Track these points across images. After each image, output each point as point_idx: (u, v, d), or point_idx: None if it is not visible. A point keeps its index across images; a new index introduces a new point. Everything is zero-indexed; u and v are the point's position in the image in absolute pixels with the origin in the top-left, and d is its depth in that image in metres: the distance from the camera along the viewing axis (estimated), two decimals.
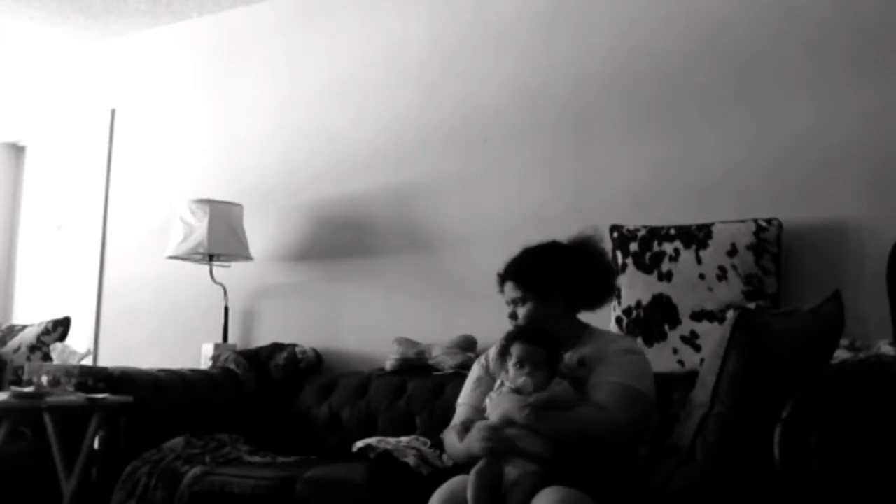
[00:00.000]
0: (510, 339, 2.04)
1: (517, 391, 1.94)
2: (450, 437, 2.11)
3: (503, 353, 2.04)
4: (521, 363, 1.97)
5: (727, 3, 3.01)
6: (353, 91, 3.80)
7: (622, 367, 2.00)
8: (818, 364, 1.90)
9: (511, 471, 1.82)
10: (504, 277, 2.20)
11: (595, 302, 2.22)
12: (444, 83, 3.58)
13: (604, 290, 2.22)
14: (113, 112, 4.58)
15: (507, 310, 2.19)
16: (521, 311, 2.15)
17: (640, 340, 2.64)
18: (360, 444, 2.56)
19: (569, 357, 2.05)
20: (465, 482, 1.84)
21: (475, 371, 2.27)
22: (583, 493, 1.69)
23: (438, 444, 2.44)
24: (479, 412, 2.08)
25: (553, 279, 2.15)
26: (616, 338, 2.25)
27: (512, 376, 1.98)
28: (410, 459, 2.41)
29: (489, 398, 2.01)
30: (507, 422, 1.90)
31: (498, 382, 2.03)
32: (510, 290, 2.17)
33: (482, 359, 2.28)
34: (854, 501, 1.62)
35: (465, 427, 2.02)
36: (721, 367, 1.80)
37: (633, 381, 1.98)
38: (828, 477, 1.62)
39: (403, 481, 2.34)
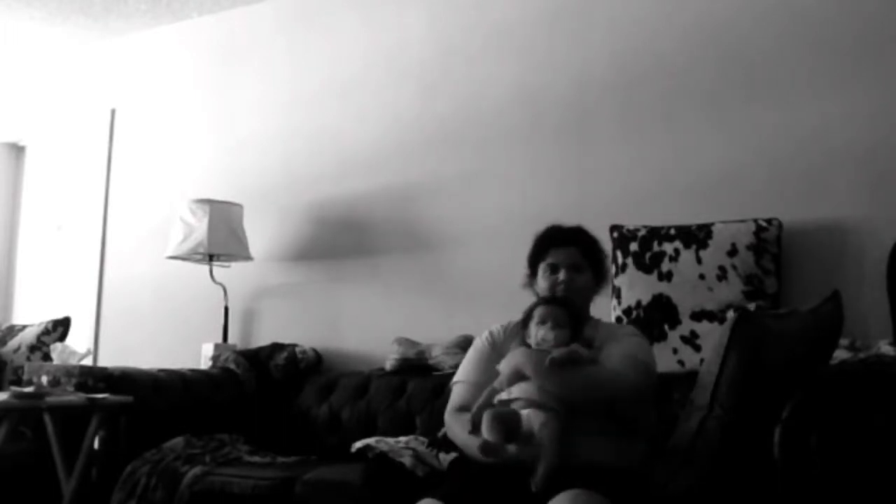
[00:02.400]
0: (533, 306, 2.07)
1: (537, 346, 1.96)
2: (456, 424, 2.07)
3: (525, 321, 2.05)
4: (542, 321, 1.99)
5: (727, 4, 3.01)
6: (354, 91, 3.80)
7: (632, 345, 2.07)
8: (818, 364, 1.90)
9: (532, 415, 1.80)
10: (567, 241, 2.19)
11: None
12: (444, 83, 3.58)
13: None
14: (113, 112, 4.58)
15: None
16: (578, 278, 2.15)
17: None
18: (358, 444, 2.56)
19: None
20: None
21: (479, 347, 2.23)
22: (604, 498, 1.68)
23: (435, 444, 2.44)
24: (480, 390, 2.04)
25: (606, 260, 2.27)
26: (621, 325, 2.36)
27: (533, 335, 1.99)
28: (406, 460, 2.40)
29: (498, 381, 1.99)
30: (519, 375, 1.90)
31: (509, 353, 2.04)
32: (571, 255, 2.17)
33: (486, 335, 2.25)
34: (854, 501, 1.62)
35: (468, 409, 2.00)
36: (720, 369, 1.80)
37: (642, 355, 2.05)
38: (828, 477, 1.62)
39: (400, 482, 2.34)
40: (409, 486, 2.27)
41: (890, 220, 2.59)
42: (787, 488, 1.64)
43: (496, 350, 2.16)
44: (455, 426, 2.08)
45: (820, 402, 1.67)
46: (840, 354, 2.24)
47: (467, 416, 1.99)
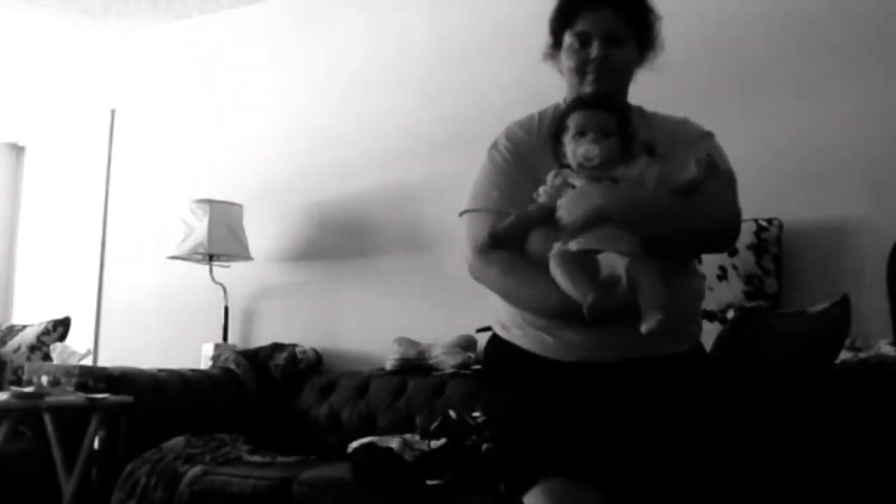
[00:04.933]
0: (567, 110, 1.63)
1: (590, 174, 1.54)
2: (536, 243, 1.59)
3: (557, 134, 1.62)
4: (581, 131, 1.58)
5: (727, 4, 3.01)
6: (354, 91, 3.80)
7: (716, 154, 1.69)
8: (820, 366, 1.90)
9: (614, 259, 1.47)
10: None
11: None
12: (446, 83, 3.58)
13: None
14: (113, 112, 4.58)
15: None
16: (616, 54, 1.67)
17: None
18: (355, 444, 2.56)
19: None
20: (564, 488, 1.46)
21: (498, 163, 1.76)
22: None
23: (427, 435, 2.44)
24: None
25: (655, 23, 1.73)
26: (678, 120, 1.86)
27: (571, 151, 1.58)
28: (395, 444, 2.40)
29: (542, 192, 1.59)
30: (597, 219, 1.51)
31: (551, 174, 1.60)
32: (608, 20, 1.65)
33: (502, 145, 1.81)
34: (854, 501, 1.62)
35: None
36: (723, 368, 1.80)
37: (730, 165, 1.71)
38: (828, 477, 1.62)
39: (388, 465, 2.32)
40: (397, 471, 2.27)
41: (890, 220, 2.59)
42: (786, 488, 1.64)
43: (523, 165, 1.72)
44: (554, 271, 1.51)
45: (820, 402, 1.67)
46: (840, 354, 2.24)
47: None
